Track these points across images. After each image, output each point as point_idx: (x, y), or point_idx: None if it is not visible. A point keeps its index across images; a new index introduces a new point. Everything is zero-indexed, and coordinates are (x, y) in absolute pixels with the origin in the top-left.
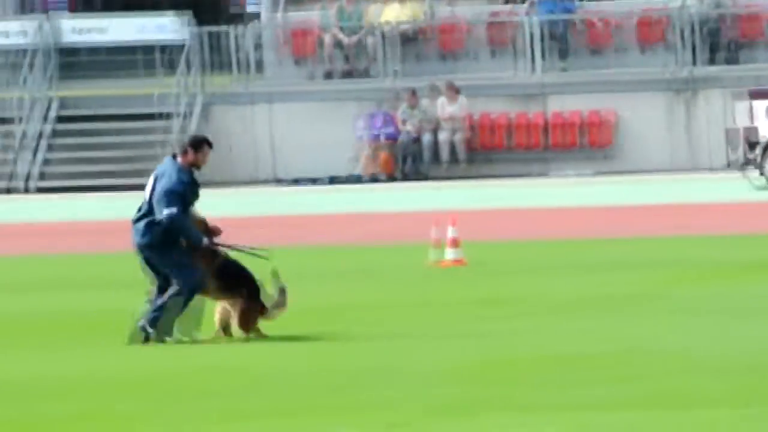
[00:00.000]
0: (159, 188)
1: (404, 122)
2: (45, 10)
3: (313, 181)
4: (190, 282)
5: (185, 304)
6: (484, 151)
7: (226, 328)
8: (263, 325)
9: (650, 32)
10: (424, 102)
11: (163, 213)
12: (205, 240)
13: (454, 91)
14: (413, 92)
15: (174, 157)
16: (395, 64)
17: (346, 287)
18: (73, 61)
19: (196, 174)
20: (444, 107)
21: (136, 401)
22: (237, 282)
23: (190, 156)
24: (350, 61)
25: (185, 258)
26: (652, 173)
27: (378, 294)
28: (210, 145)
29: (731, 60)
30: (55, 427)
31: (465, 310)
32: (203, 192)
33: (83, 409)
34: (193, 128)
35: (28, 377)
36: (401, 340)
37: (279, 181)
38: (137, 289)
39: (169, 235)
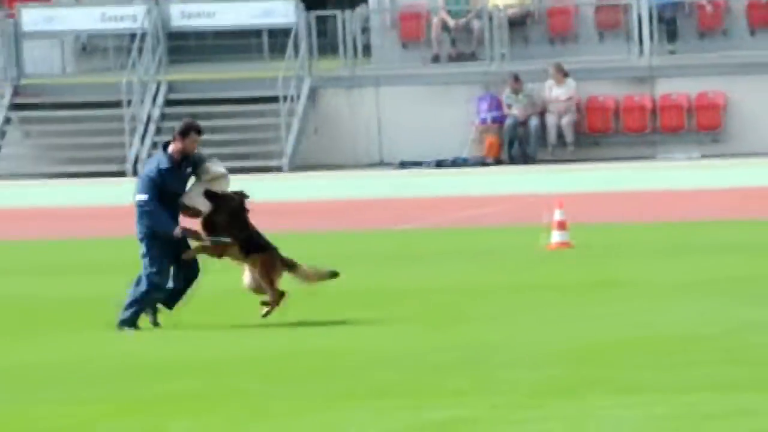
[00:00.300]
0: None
1: (509, 106)
2: None
3: (419, 164)
4: (151, 279)
5: (146, 299)
6: (592, 135)
7: (258, 290)
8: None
9: (760, 15)
10: (530, 86)
11: (135, 199)
12: (177, 230)
13: (562, 74)
14: (516, 77)
15: (166, 145)
16: (502, 47)
17: (451, 270)
18: (182, 46)
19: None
20: (551, 90)
21: (248, 380)
22: (257, 247)
23: (178, 143)
24: (457, 44)
25: (160, 252)
26: (761, 156)
27: (484, 276)
28: (199, 132)
29: None
30: (172, 405)
31: (571, 292)
32: (309, 175)
33: (198, 387)
34: (299, 112)
35: (148, 358)
36: (506, 322)
37: (384, 165)
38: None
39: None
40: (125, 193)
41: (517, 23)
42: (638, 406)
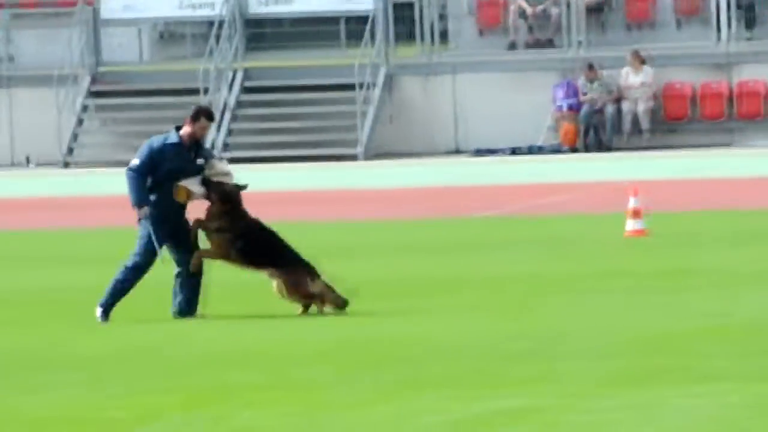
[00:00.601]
0: None
1: (584, 94)
2: None
3: (494, 152)
4: (136, 260)
5: (123, 278)
6: (668, 122)
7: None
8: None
9: None
10: (605, 73)
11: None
12: (142, 211)
13: (640, 61)
14: (590, 66)
15: (179, 128)
16: (580, 34)
17: (524, 258)
18: (259, 33)
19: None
20: (628, 77)
21: (315, 371)
22: (264, 252)
23: (188, 126)
24: (534, 31)
25: (147, 239)
26: None
27: (558, 265)
28: (209, 117)
29: None
30: (240, 396)
31: (646, 280)
32: (384, 163)
33: (264, 378)
34: (375, 99)
35: (215, 348)
36: (579, 311)
37: (459, 152)
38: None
39: (158, 206)
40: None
41: (595, 10)
42: (711, 395)
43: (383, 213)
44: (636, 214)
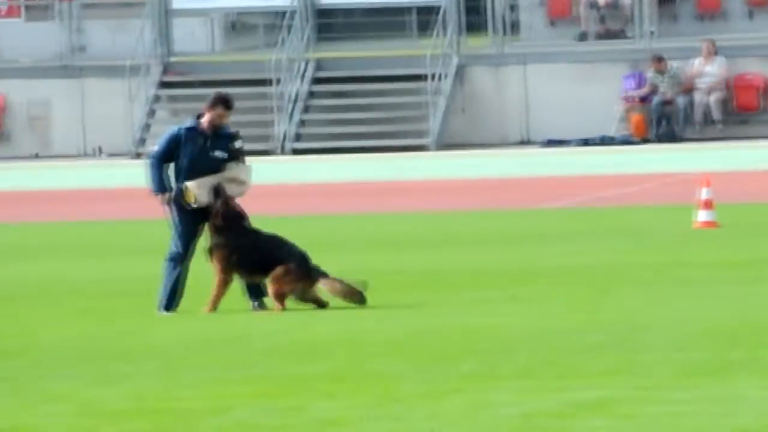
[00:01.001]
0: None
1: (654, 86)
2: None
3: (565, 142)
4: (171, 250)
5: (168, 274)
6: (740, 113)
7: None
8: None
9: None
10: (674, 65)
11: None
12: (163, 196)
13: (712, 51)
14: (659, 58)
15: (200, 115)
16: (651, 25)
17: (596, 248)
18: (330, 23)
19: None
20: (700, 67)
21: (388, 362)
22: (270, 259)
23: (206, 113)
24: (605, 21)
25: (178, 226)
26: None
27: (629, 256)
28: (227, 106)
29: None
30: (313, 387)
31: (718, 272)
32: (455, 153)
33: (336, 369)
34: (446, 90)
35: (290, 339)
36: (652, 302)
37: (530, 143)
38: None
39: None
40: (270, 172)
41: (666, 0)
42: None
43: (453, 204)
44: (707, 205)
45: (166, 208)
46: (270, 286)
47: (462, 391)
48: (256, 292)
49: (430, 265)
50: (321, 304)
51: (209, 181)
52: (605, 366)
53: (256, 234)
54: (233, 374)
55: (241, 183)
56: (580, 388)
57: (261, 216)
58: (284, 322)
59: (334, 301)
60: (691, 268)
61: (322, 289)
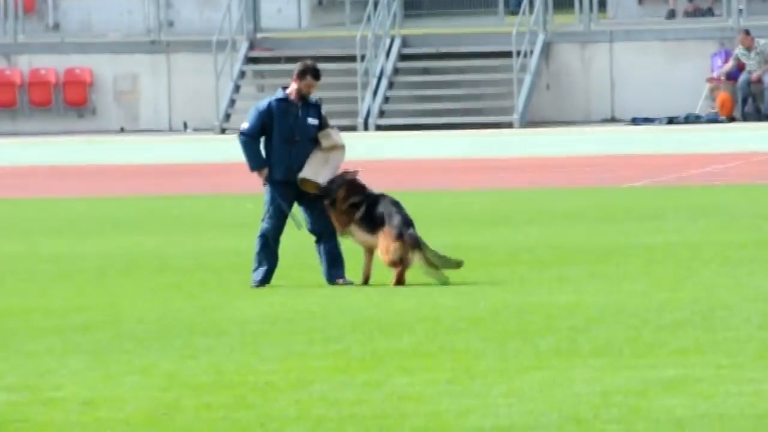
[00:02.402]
0: None
1: (743, 63)
2: None
3: (651, 121)
4: (263, 226)
5: (259, 249)
6: None
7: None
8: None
9: None
10: (762, 42)
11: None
12: (262, 173)
13: None
14: (747, 32)
15: (285, 87)
16: (740, 3)
17: (680, 227)
18: (416, 0)
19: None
20: None
21: (467, 338)
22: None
23: (294, 83)
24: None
25: (270, 196)
26: None
27: (714, 234)
28: (316, 76)
29: None
30: (392, 362)
31: None
32: (540, 131)
33: (415, 345)
34: (532, 67)
35: (369, 314)
36: (734, 281)
37: (616, 121)
38: (468, 226)
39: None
40: (354, 148)
41: None
42: None
43: (537, 181)
44: None
45: (267, 186)
46: (381, 256)
47: (540, 368)
48: (336, 266)
49: (513, 243)
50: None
51: (318, 161)
52: (685, 344)
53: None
54: (314, 349)
55: (341, 147)
56: (659, 366)
57: None
58: (366, 297)
59: (417, 278)
60: None
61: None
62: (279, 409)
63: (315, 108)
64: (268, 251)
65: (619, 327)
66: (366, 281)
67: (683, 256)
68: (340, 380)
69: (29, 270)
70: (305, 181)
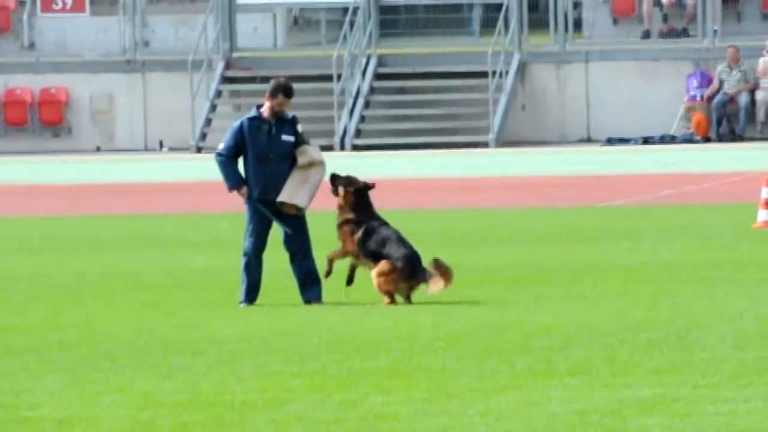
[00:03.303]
0: None
1: (721, 82)
2: None
3: (626, 141)
4: (245, 245)
5: (244, 268)
6: None
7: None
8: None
9: None
10: (745, 62)
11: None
12: (243, 191)
13: None
14: (736, 49)
15: (259, 106)
16: (715, 23)
17: (655, 247)
18: (393, 19)
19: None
20: (766, 66)
21: (444, 357)
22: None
23: (267, 101)
24: (669, 20)
25: (250, 223)
26: None
27: (688, 255)
28: (287, 94)
29: None
30: (369, 381)
31: None
32: (516, 151)
33: (392, 364)
34: (508, 87)
35: (345, 333)
36: (710, 301)
37: (591, 141)
38: (443, 245)
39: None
40: (329, 167)
41: None
42: None
43: (513, 201)
44: (767, 204)
45: (247, 203)
46: (375, 279)
47: (517, 388)
48: (312, 286)
49: (489, 262)
50: (408, 300)
51: (296, 181)
52: (661, 364)
53: (384, 225)
54: (290, 368)
55: (320, 163)
56: (635, 385)
57: (319, 211)
58: (342, 316)
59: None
60: (750, 268)
61: (426, 289)
62: (255, 428)
63: (290, 124)
64: (250, 269)
65: (596, 346)
66: (350, 280)
67: (659, 276)
68: (317, 399)
69: (4, 289)
70: (284, 204)
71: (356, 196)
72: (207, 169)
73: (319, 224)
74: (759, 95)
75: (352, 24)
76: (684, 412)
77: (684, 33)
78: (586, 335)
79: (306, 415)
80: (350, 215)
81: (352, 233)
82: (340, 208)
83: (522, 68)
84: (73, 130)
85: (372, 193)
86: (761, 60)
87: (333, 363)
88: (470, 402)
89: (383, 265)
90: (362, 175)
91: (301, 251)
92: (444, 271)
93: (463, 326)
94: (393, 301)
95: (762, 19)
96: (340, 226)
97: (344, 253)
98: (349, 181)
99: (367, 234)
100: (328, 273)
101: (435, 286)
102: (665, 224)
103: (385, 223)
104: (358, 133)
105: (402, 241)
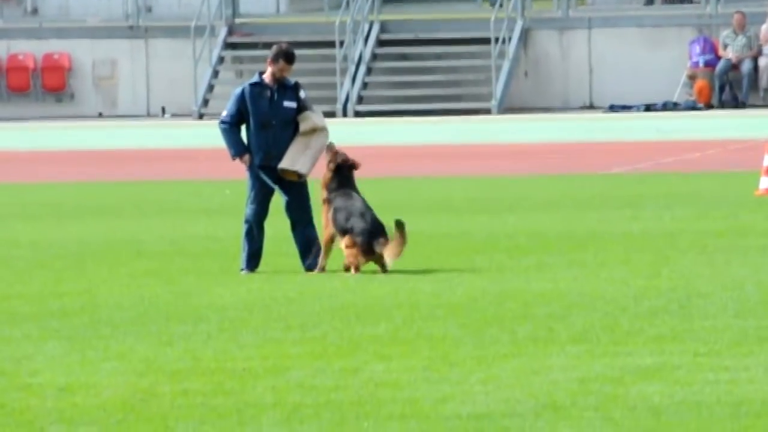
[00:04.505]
0: None
1: (725, 47)
2: None
3: (628, 108)
4: (246, 211)
5: (245, 234)
6: None
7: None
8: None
9: None
10: (751, 28)
11: None
12: (244, 159)
13: None
14: (743, 15)
15: (261, 73)
16: None
17: (657, 214)
18: None
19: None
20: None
21: (445, 325)
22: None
23: (269, 67)
24: None
25: (251, 190)
26: None
27: (691, 222)
28: (288, 60)
29: None
30: (369, 349)
31: None
32: (518, 117)
33: (392, 331)
34: (510, 54)
35: (347, 300)
36: (712, 269)
37: (594, 108)
38: (446, 212)
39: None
40: (332, 134)
41: None
42: None
43: (514, 168)
44: None
45: (249, 171)
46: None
47: (518, 356)
48: (313, 253)
49: (491, 230)
50: (383, 268)
51: (298, 147)
52: (662, 332)
53: (351, 198)
54: (291, 335)
55: (322, 129)
56: (636, 353)
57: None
58: (343, 284)
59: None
60: (752, 236)
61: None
62: (256, 396)
63: (292, 90)
64: (252, 236)
65: (597, 314)
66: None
67: (661, 244)
68: (317, 367)
69: (6, 256)
70: (285, 170)
71: (334, 173)
72: (209, 135)
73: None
74: (762, 62)
75: None
76: (684, 381)
77: None
78: (587, 303)
79: (306, 382)
80: (325, 193)
81: (327, 213)
82: (322, 184)
83: (525, 35)
84: (76, 95)
85: (374, 161)
86: (764, 26)
87: (334, 330)
88: (471, 370)
89: (346, 240)
90: (364, 142)
91: (303, 219)
92: (397, 239)
93: (464, 294)
94: (357, 271)
95: None
96: (323, 205)
97: (328, 240)
98: (332, 157)
99: (336, 211)
100: (322, 268)
101: (387, 258)
102: (667, 191)
103: (353, 195)
104: (360, 99)
105: (363, 214)
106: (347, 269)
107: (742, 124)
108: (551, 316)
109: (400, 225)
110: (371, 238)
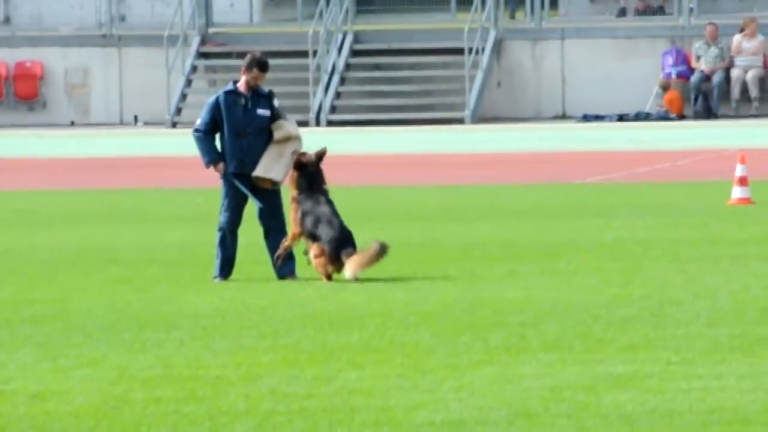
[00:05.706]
0: None
1: (698, 59)
2: None
3: (601, 118)
4: (219, 219)
5: (219, 242)
6: None
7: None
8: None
9: None
10: (722, 39)
11: None
12: (218, 168)
13: (755, 29)
14: (715, 26)
15: (236, 81)
16: (691, 1)
17: (629, 224)
18: None
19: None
20: (740, 44)
21: (417, 333)
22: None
23: (243, 75)
24: None
25: (224, 198)
26: None
27: (663, 231)
28: (262, 68)
29: None
30: (342, 357)
31: (752, 249)
32: (491, 127)
33: (365, 339)
34: (484, 63)
35: (319, 309)
36: (684, 278)
37: (566, 118)
38: (419, 221)
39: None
40: (305, 143)
41: None
42: None
43: (489, 177)
44: (742, 181)
45: (223, 179)
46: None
47: (491, 363)
48: (286, 261)
49: (463, 238)
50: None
51: (272, 155)
52: (635, 340)
53: (320, 203)
54: (264, 343)
55: (295, 138)
56: (609, 361)
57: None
58: (316, 291)
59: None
60: (724, 245)
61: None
62: (229, 403)
63: (266, 99)
64: (225, 244)
65: (569, 322)
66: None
67: (633, 253)
68: (290, 374)
69: None
70: (259, 178)
71: (300, 172)
72: (182, 144)
73: None
74: (734, 73)
75: (328, 0)
76: (657, 389)
77: (660, 11)
78: (559, 311)
79: (279, 390)
80: (294, 192)
81: (296, 213)
82: (291, 183)
83: (498, 45)
84: (48, 104)
85: (347, 170)
86: (735, 38)
87: (307, 338)
88: (444, 378)
89: (314, 249)
90: (337, 151)
91: (276, 226)
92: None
93: (437, 302)
94: (329, 280)
95: None
96: (291, 204)
97: (293, 238)
98: (298, 157)
99: (304, 214)
100: (279, 257)
101: (349, 267)
102: (639, 201)
103: (321, 200)
104: (334, 109)
105: (330, 222)
106: (325, 276)
107: (714, 134)
108: (524, 324)
109: (382, 247)
110: (339, 246)
